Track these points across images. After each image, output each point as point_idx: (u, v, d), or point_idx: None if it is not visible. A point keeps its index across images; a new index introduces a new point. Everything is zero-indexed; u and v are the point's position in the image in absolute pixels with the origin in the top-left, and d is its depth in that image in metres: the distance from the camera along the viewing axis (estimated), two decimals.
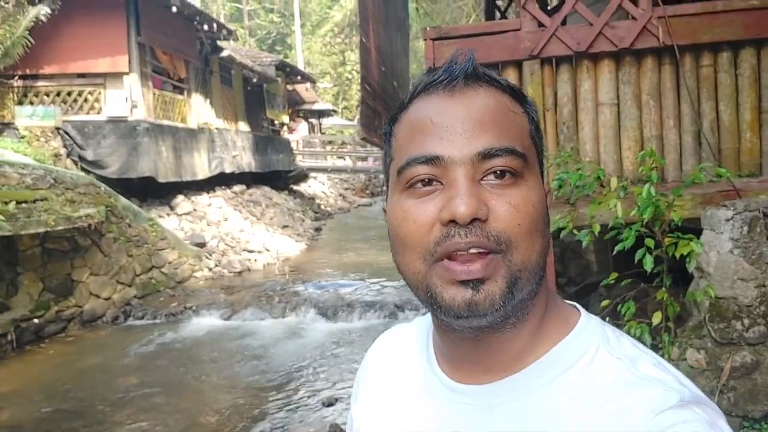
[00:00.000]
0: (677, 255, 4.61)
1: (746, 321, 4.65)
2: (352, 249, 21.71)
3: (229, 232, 19.97)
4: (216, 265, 17.75)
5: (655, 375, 0.92)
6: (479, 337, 0.98)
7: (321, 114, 46.44)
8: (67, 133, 17.17)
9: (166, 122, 19.61)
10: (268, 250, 20.04)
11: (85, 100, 17.97)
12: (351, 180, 44.32)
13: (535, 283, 0.96)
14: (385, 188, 1.09)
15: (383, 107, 8.91)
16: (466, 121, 0.94)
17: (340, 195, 40.33)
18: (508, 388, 0.98)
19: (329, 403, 8.60)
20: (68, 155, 17.10)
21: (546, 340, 1.00)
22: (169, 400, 9.42)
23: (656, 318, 4.75)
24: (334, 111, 51.46)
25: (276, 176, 29.80)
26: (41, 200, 12.65)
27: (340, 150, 43.32)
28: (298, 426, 7.65)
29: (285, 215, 25.29)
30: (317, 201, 34.58)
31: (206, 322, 13.61)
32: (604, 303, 4.82)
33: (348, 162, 41.28)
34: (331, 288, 15.51)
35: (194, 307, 14.20)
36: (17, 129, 16.35)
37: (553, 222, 4.54)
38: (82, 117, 17.78)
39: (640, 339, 4.27)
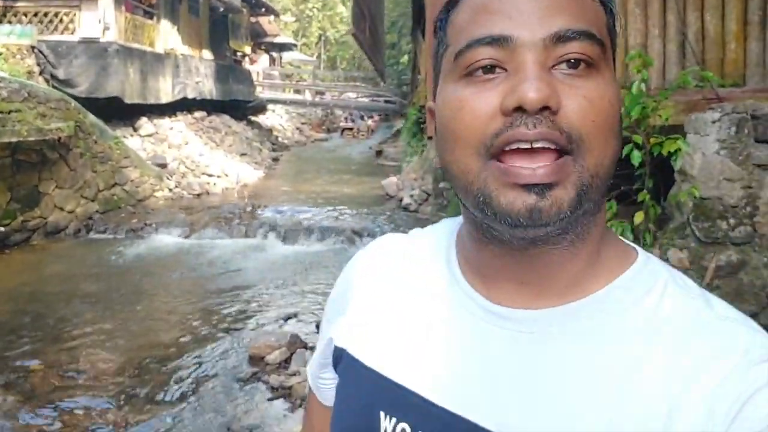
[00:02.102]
0: (664, 152, 4.54)
1: (732, 221, 4.54)
2: (309, 180, 21.61)
3: (189, 156, 19.94)
4: (176, 186, 17.74)
5: (737, 317, 0.81)
6: (531, 252, 0.83)
7: (282, 47, 46.00)
8: (41, 52, 17.19)
9: (135, 45, 19.53)
10: (227, 175, 20.07)
11: (61, 20, 17.90)
12: (308, 115, 44.18)
13: (602, 195, 0.83)
14: (432, 84, 0.93)
15: (369, 11, 8.76)
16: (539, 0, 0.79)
17: (297, 129, 40.19)
18: (568, 315, 0.83)
19: (288, 317, 8.75)
20: (41, 73, 17.10)
21: (607, 268, 0.86)
22: (130, 308, 9.53)
23: (638, 218, 4.64)
24: (295, 45, 51.04)
25: (236, 105, 29.64)
26: (15, 112, 12.60)
27: (298, 84, 43.16)
28: (261, 335, 7.85)
29: (243, 144, 25.26)
30: (275, 133, 34.41)
31: (166, 239, 13.65)
32: None
33: (307, 96, 41.18)
34: (289, 213, 15.44)
35: (154, 225, 14.21)
36: None
37: None
38: (56, 37, 17.77)
39: (622, 236, 4.17)
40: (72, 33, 17.87)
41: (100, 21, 17.76)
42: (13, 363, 7.42)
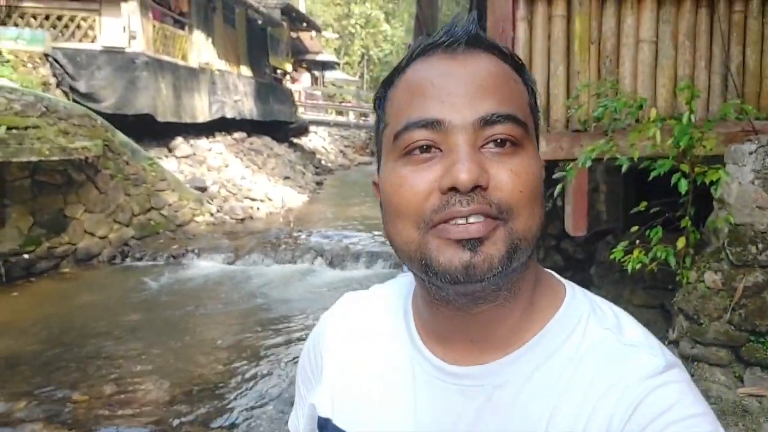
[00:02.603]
0: (707, 181, 5.11)
1: (761, 245, 5.09)
2: (355, 204, 21.68)
3: (231, 179, 19.86)
4: (218, 211, 17.65)
5: (640, 340, 0.98)
6: (474, 311, 0.98)
7: (324, 66, 46.19)
8: (57, 61, 16.45)
9: (166, 58, 19.26)
10: (270, 200, 19.99)
11: (78, 26, 17.35)
12: (351, 137, 44.51)
13: (529, 255, 0.96)
14: (375, 158, 1.08)
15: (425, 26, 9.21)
16: (468, 85, 0.93)
17: (341, 151, 40.51)
18: (510, 366, 0.99)
19: None
20: (58, 85, 16.43)
21: (540, 314, 1.01)
22: (174, 337, 9.39)
23: (680, 243, 5.18)
24: (337, 64, 51.16)
25: (277, 127, 29.56)
26: (33, 128, 12.32)
27: (342, 105, 43.16)
28: None
29: (286, 167, 25.20)
30: (318, 156, 34.57)
31: (209, 265, 13.59)
32: (634, 229, 5.29)
33: (351, 118, 41.11)
34: (335, 238, 15.61)
35: (196, 250, 14.16)
36: (0, 53, 15.51)
37: (588, 152, 5.12)
38: (74, 44, 17.14)
39: (665, 261, 5.04)
40: (92, 41, 17.35)
41: (124, 29, 17.35)
42: (53, 395, 7.29)
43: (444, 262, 0.90)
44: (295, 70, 38.38)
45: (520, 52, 5.99)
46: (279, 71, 33.36)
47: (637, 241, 5.25)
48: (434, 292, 0.98)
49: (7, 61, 15.39)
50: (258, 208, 18.97)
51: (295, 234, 15.92)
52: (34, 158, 11.99)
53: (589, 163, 5.23)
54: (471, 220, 0.89)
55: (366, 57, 65.27)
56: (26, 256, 12.40)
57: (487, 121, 0.91)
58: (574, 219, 6.10)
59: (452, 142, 0.91)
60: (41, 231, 12.84)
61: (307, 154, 32.02)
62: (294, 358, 8.16)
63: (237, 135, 23.95)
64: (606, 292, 7.15)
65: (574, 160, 5.50)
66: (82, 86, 16.71)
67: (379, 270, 12.95)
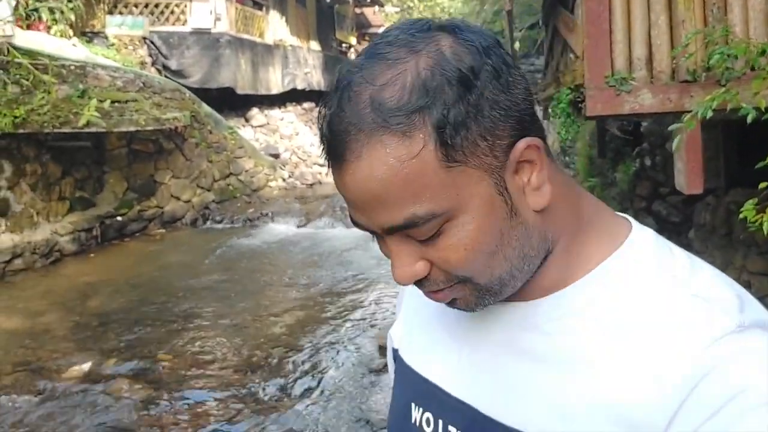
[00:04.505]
0: None
1: None
2: None
3: (301, 146, 19.87)
4: (289, 176, 17.72)
5: (711, 294, 0.81)
6: None
7: None
8: (153, 43, 17.21)
9: (245, 36, 19.50)
10: None
11: (171, 11, 17.87)
12: None
13: (531, 263, 0.85)
14: None
15: None
16: (357, 200, 0.79)
17: None
18: (540, 309, 0.88)
19: None
20: (153, 64, 17.13)
21: (586, 263, 0.88)
22: (252, 298, 9.38)
23: None
24: None
25: None
26: (132, 102, 12.63)
27: None
28: (391, 324, 7.46)
29: None
30: None
31: (282, 228, 13.59)
32: (763, 184, 4.05)
33: None
34: None
35: (270, 214, 14.18)
36: (107, 37, 16.33)
37: (708, 101, 4.11)
38: (167, 28, 17.74)
39: None
40: (183, 24, 17.83)
41: (211, 12, 17.72)
42: (141, 352, 7.30)
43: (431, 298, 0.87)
44: (358, 42, 38.21)
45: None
46: (344, 45, 33.27)
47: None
48: None
49: (112, 44, 16.27)
50: (326, 174, 18.72)
51: None
52: (132, 128, 12.37)
53: (710, 114, 4.24)
54: (433, 289, 0.84)
55: None
56: (119, 218, 12.68)
57: (390, 231, 0.79)
58: (688, 176, 5.41)
59: (381, 240, 0.83)
60: (133, 195, 13.14)
61: None
62: (364, 322, 8.14)
63: (306, 105, 23.92)
64: (712, 258, 6.42)
65: (682, 113, 4.75)
66: (173, 64, 17.33)
67: None
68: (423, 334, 1.04)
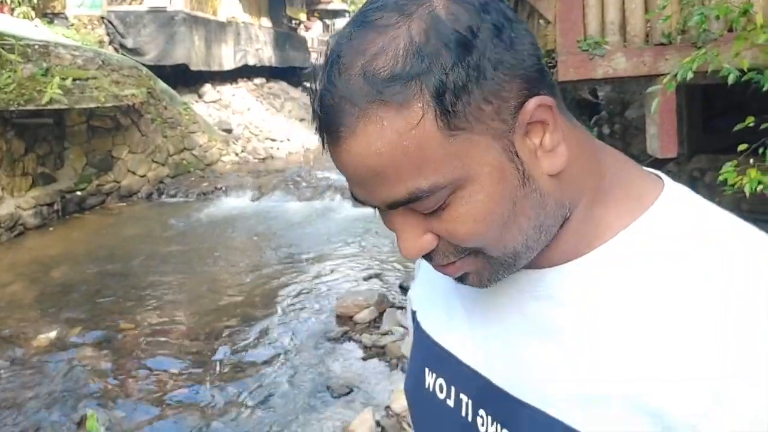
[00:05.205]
0: None
1: None
2: None
3: (253, 121, 19.93)
4: (242, 151, 17.82)
5: (753, 279, 0.68)
6: None
7: (335, 14, 45.67)
8: (110, 22, 17.43)
9: (200, 14, 19.59)
10: (289, 140, 20.02)
11: None
12: None
13: (547, 232, 0.78)
14: None
15: None
16: (357, 176, 0.74)
17: None
18: (557, 277, 0.80)
19: (369, 277, 8.64)
20: (110, 42, 17.39)
21: (606, 230, 0.79)
22: (210, 269, 9.56)
23: None
24: (347, 12, 50.65)
25: (292, 72, 29.47)
26: (92, 79, 12.78)
27: None
28: (347, 294, 7.70)
29: (302, 109, 25.13)
30: None
31: (236, 202, 13.69)
32: (742, 147, 4.02)
33: None
34: None
35: (224, 188, 14.28)
36: (67, 18, 16.62)
37: (687, 63, 4.05)
38: (125, 7, 17.93)
39: None
40: (140, 3, 17.98)
41: None
42: (105, 321, 7.45)
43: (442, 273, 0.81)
44: (308, 19, 38.09)
45: None
46: (294, 21, 33.18)
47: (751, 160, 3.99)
48: None
49: (72, 25, 16.59)
50: (278, 149, 19.05)
51: (314, 173, 15.62)
52: (92, 105, 12.59)
53: (690, 76, 4.07)
54: (443, 262, 0.78)
55: None
56: (79, 193, 12.79)
57: (393, 206, 0.74)
58: (662, 139, 5.23)
59: (385, 216, 0.78)
60: (92, 170, 13.25)
61: None
62: (320, 293, 8.28)
63: (257, 80, 23.96)
64: None
65: (656, 76, 4.71)
66: (129, 42, 17.60)
67: None
68: (439, 300, 0.99)
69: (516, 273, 0.81)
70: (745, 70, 4.00)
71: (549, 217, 0.76)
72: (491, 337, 0.87)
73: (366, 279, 8.58)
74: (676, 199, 0.79)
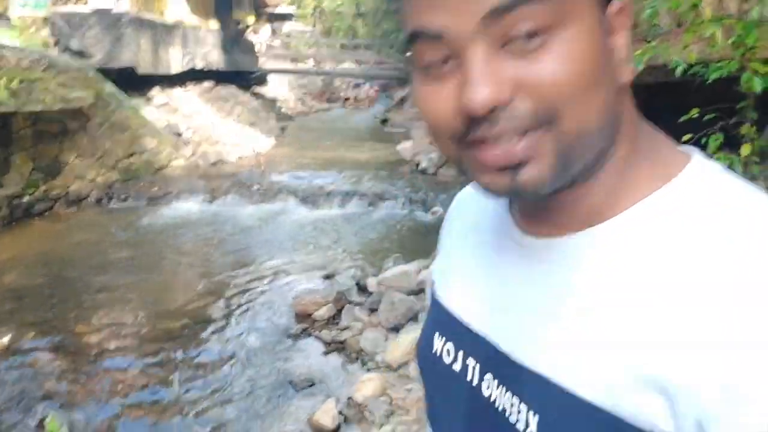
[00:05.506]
0: None
1: None
2: (321, 147, 21.30)
3: (202, 125, 19.72)
4: (192, 155, 17.62)
5: (765, 243, 0.64)
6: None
7: (283, 18, 45.65)
8: (55, 24, 17.02)
9: (146, 16, 19.34)
10: (239, 144, 19.89)
11: None
12: (308, 85, 43.90)
13: (604, 140, 0.73)
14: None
15: None
16: None
17: (299, 99, 39.81)
18: (576, 243, 0.77)
19: (328, 276, 8.68)
20: (56, 44, 16.93)
21: (635, 191, 0.75)
22: (164, 273, 9.59)
23: (745, 149, 4.24)
24: (293, 16, 50.67)
25: (240, 76, 29.32)
26: (38, 80, 12.56)
27: (300, 54, 42.85)
28: (305, 293, 7.75)
29: (251, 114, 25.01)
30: (278, 103, 34.21)
31: (187, 206, 13.59)
32: (687, 137, 3.91)
33: (309, 66, 40.90)
34: (307, 179, 15.31)
35: (175, 192, 14.14)
36: (9, 19, 16.24)
37: (639, 55, 4.12)
38: (70, 8, 17.58)
39: (731, 168, 3.66)
40: (85, 3, 17.67)
41: None
42: (59, 326, 7.40)
43: (486, 184, 0.74)
44: (256, 22, 38.03)
45: None
46: (242, 24, 33.14)
47: None
48: None
49: (15, 26, 16.14)
50: (229, 152, 18.83)
51: (266, 176, 15.68)
52: (39, 108, 12.31)
53: (641, 67, 4.16)
54: (503, 142, 0.69)
55: (318, 9, 64.53)
56: (26, 198, 12.55)
57: (496, 13, 0.65)
58: None
59: (460, 53, 0.68)
60: (39, 175, 13.00)
61: (268, 102, 31.61)
62: (275, 293, 8.35)
63: (206, 84, 23.76)
64: None
65: None
66: (75, 44, 17.09)
67: (353, 209, 12.90)
68: (454, 269, 0.99)
69: (532, 241, 0.82)
70: (692, 63, 4.13)
71: (608, 123, 0.72)
72: (506, 305, 0.85)
73: (323, 278, 8.63)
74: (705, 169, 0.74)
